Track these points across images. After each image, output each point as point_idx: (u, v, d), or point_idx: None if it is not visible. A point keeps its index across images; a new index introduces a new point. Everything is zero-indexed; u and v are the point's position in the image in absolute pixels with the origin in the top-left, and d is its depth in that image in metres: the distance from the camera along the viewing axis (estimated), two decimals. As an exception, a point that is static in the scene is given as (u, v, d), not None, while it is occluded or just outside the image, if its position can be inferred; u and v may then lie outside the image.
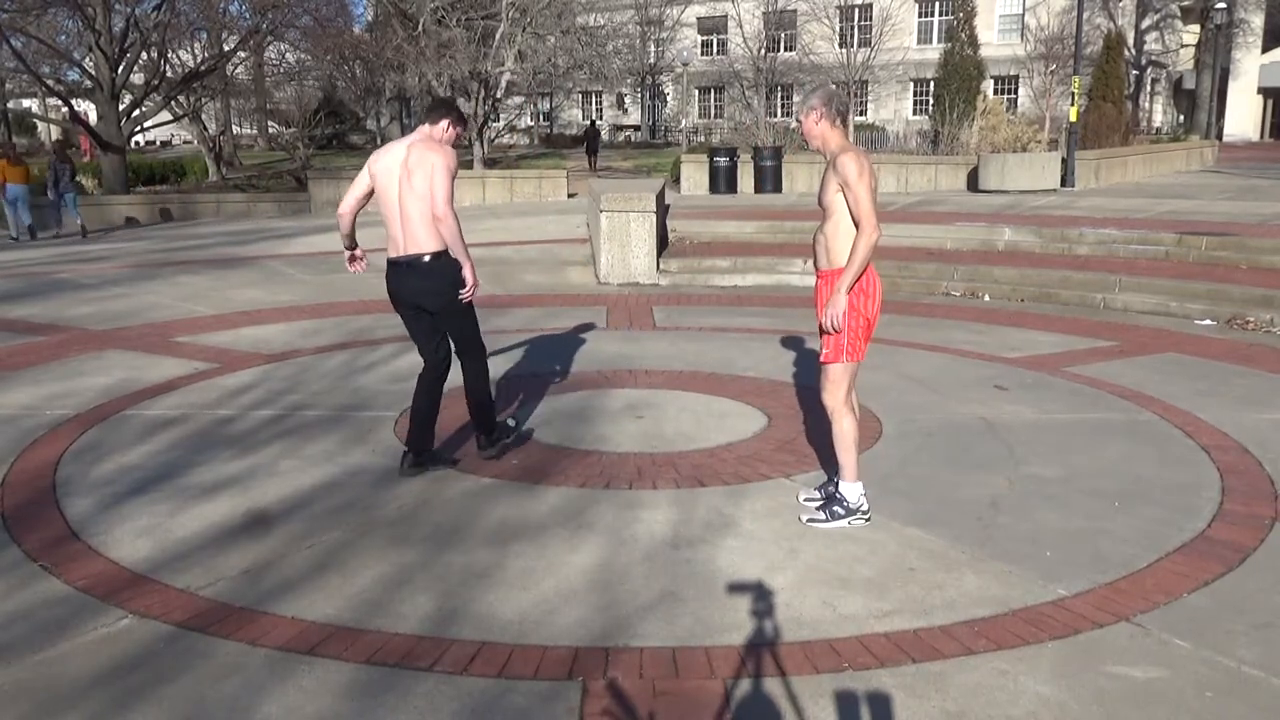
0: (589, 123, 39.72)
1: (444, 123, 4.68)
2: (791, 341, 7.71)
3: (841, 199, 3.98)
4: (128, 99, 23.27)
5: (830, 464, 4.88)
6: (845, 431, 4.19)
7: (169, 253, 13.07)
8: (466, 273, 4.62)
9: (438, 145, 4.61)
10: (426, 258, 4.57)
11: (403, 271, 4.64)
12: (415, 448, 4.85)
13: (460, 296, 4.66)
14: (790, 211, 14.07)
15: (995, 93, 36.23)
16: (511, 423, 5.24)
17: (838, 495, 4.26)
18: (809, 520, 4.24)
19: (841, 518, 4.20)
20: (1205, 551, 3.95)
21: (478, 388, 4.95)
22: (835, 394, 4.17)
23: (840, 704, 2.92)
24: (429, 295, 4.67)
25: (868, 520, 4.22)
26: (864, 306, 4.07)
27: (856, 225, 3.96)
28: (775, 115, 43.11)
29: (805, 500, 4.44)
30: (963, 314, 9.06)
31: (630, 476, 4.81)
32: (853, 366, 4.15)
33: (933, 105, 23.97)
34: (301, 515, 4.35)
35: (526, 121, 44.59)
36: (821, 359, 4.18)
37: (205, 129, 30.81)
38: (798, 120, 4.19)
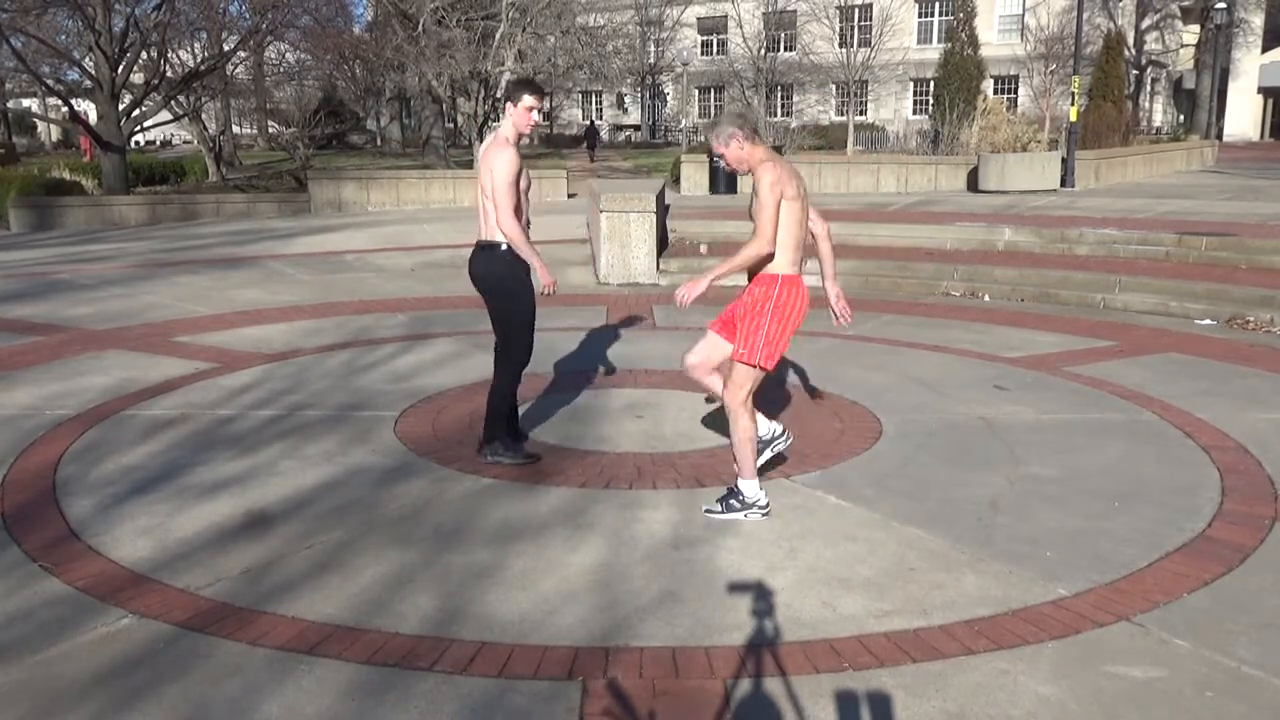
0: (589, 122, 39.78)
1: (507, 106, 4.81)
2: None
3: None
4: (128, 99, 23.23)
5: (833, 463, 4.90)
6: (744, 430, 4.24)
7: (169, 253, 13.05)
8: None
9: (495, 146, 4.72)
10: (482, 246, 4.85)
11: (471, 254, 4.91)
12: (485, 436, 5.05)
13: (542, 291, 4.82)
14: (790, 211, 14.06)
15: (995, 93, 36.28)
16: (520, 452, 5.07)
17: (735, 489, 4.31)
18: (706, 510, 4.30)
19: (738, 510, 4.26)
20: (1205, 551, 3.95)
21: (493, 388, 4.99)
22: (737, 394, 4.21)
23: (840, 704, 2.93)
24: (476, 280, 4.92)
25: (765, 513, 4.26)
26: (791, 320, 4.17)
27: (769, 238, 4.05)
28: (775, 115, 43.15)
29: (706, 510, 4.38)
30: (963, 314, 9.06)
31: (630, 476, 4.82)
32: (760, 374, 4.21)
33: (933, 105, 23.99)
34: (302, 515, 4.35)
35: (526, 121, 44.49)
36: (734, 355, 4.23)
37: (205, 129, 30.78)
38: (718, 156, 4.19)
